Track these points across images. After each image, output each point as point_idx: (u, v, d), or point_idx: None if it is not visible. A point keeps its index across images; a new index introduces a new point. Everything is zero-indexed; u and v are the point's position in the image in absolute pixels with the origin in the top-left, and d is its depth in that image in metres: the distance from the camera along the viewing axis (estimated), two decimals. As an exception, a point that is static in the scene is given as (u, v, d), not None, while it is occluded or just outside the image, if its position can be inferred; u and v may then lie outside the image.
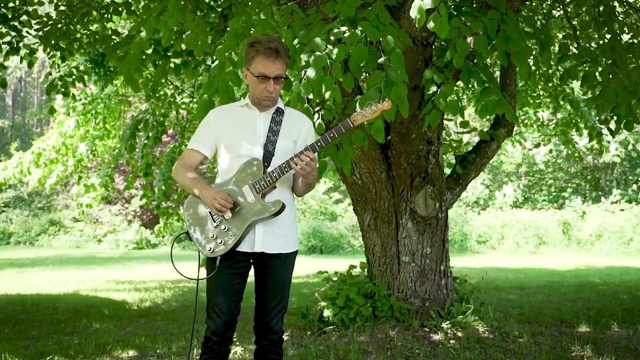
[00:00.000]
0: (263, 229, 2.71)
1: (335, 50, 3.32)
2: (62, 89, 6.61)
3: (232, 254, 2.70)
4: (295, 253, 2.83)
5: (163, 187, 8.08)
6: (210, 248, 2.70)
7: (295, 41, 3.51)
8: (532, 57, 4.09)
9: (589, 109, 7.22)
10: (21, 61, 5.94)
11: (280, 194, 2.72)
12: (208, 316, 2.74)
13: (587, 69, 4.78)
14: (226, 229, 2.68)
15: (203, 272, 2.83)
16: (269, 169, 2.68)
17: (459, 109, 3.99)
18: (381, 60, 3.46)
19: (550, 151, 14.40)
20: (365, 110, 2.62)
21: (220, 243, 2.68)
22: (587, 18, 4.73)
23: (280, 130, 2.75)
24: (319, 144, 2.62)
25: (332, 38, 3.51)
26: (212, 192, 2.66)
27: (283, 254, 2.76)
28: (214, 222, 2.70)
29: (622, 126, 4.72)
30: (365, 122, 2.77)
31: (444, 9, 3.05)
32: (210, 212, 2.72)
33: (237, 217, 2.67)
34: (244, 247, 2.70)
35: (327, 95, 3.30)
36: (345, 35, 3.38)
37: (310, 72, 3.26)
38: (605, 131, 7.73)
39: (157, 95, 7.89)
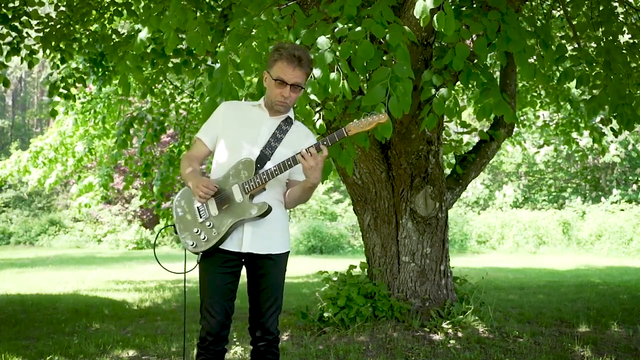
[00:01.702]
0: (252, 229, 2.70)
1: (340, 48, 3.32)
2: (65, 91, 6.62)
3: (222, 253, 2.70)
4: (287, 254, 2.82)
5: (158, 187, 8.07)
6: (193, 243, 2.70)
7: (297, 42, 3.52)
8: (534, 56, 4.09)
9: (586, 111, 7.20)
10: (22, 62, 5.95)
11: (271, 196, 2.71)
12: (202, 317, 2.73)
13: (583, 69, 4.80)
14: (211, 225, 2.68)
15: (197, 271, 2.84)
16: (261, 171, 2.66)
17: (456, 113, 3.99)
18: (386, 57, 3.46)
19: (555, 150, 14.35)
20: (361, 122, 2.61)
21: (203, 239, 2.68)
22: (583, 20, 4.75)
23: (284, 139, 2.75)
24: (311, 148, 2.58)
25: (336, 37, 3.51)
26: (196, 180, 2.68)
27: (274, 254, 2.75)
28: (200, 217, 2.71)
29: (624, 125, 4.74)
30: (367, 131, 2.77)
31: (449, 7, 3.05)
32: (197, 208, 2.73)
33: (223, 215, 2.67)
34: (232, 247, 2.70)
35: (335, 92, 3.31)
36: (350, 32, 3.38)
37: (316, 72, 3.26)
38: (606, 130, 7.73)
39: (155, 93, 7.88)
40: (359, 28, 3.35)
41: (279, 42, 2.87)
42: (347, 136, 2.62)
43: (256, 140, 2.73)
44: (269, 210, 2.64)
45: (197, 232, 2.70)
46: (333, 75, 3.31)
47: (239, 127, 2.77)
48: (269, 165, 2.69)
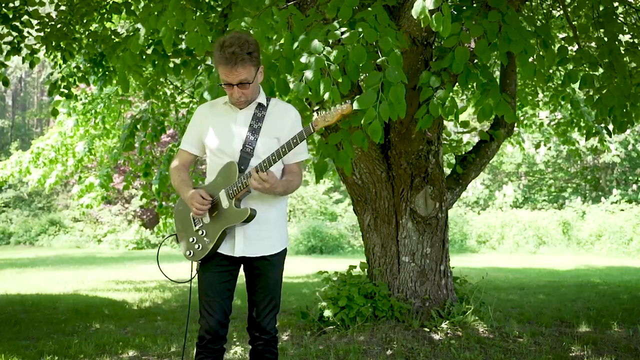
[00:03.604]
0: (243, 233, 2.68)
1: (334, 52, 3.31)
2: (66, 90, 6.62)
3: (218, 255, 2.71)
4: (283, 252, 2.80)
5: (157, 186, 8.07)
6: (190, 252, 2.74)
7: (295, 45, 3.50)
8: (534, 55, 4.09)
9: (589, 111, 7.18)
10: (23, 61, 5.95)
11: (258, 197, 2.67)
12: (201, 316, 2.75)
13: (586, 70, 4.79)
14: (204, 234, 2.70)
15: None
16: (246, 172, 2.61)
17: (455, 114, 3.99)
18: (379, 60, 3.45)
19: (549, 148, 14.39)
20: (327, 114, 2.56)
21: (198, 248, 2.70)
22: (584, 20, 4.73)
23: (262, 127, 2.68)
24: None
25: (330, 40, 3.50)
26: (190, 193, 2.67)
27: (269, 255, 2.73)
28: (195, 226, 2.73)
29: (617, 127, 4.75)
30: (357, 120, 2.75)
31: (447, 8, 3.05)
32: (192, 216, 2.74)
33: (214, 222, 2.68)
34: (226, 251, 2.70)
35: (325, 96, 3.29)
36: (344, 36, 3.37)
37: (308, 74, 3.25)
38: (604, 131, 7.73)
39: (156, 94, 7.89)
40: (355, 30, 3.34)
41: (220, 38, 2.69)
42: (314, 131, 2.57)
43: (234, 140, 2.68)
44: (251, 215, 2.60)
45: (192, 241, 2.73)
46: (325, 79, 3.29)
47: (216, 130, 2.73)
48: (254, 161, 2.64)
